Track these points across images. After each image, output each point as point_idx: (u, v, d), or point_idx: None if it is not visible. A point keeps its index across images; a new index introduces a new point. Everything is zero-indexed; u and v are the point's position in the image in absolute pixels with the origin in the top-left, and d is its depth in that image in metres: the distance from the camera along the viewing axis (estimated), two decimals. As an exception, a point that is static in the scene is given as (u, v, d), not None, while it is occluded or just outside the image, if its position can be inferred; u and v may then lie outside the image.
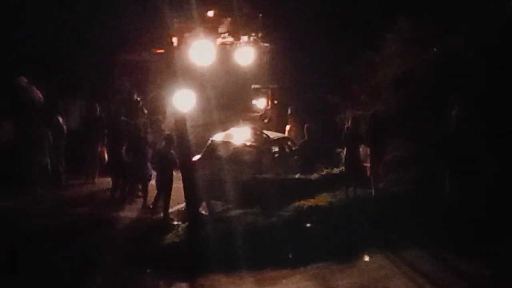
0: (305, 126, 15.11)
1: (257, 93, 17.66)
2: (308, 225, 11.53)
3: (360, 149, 13.02)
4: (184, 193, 12.06)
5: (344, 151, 13.24)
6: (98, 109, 15.83)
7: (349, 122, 13.22)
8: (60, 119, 15.89)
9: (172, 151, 13.26)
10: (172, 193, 14.24)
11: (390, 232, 11.06)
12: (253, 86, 17.62)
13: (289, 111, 17.26)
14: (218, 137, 14.53)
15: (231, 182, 13.18)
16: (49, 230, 12.39)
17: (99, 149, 15.62)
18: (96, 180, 15.86)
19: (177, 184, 13.16)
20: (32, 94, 16.21)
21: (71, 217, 13.31)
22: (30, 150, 14.48)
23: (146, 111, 16.99)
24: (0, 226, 12.26)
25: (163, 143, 13.69)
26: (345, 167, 13.17)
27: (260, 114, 17.11)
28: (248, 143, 14.16)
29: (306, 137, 14.90)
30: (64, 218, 13.20)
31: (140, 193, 14.44)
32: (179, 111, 12.01)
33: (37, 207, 13.69)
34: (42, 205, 13.75)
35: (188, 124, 12.21)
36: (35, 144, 14.50)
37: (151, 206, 13.64)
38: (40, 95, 16.36)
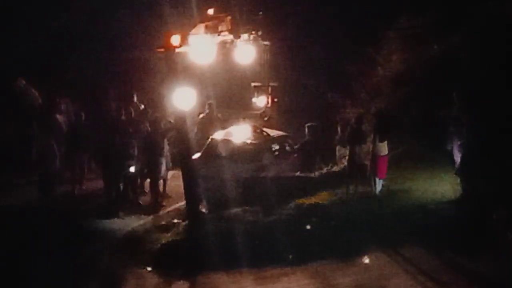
0: (306, 124, 15.10)
1: (257, 91, 17.60)
2: (309, 223, 11.52)
3: (363, 147, 12.98)
4: (184, 191, 12.03)
5: (348, 149, 13.22)
6: (84, 116, 15.54)
7: (353, 120, 13.21)
8: (59, 119, 15.73)
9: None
10: (172, 192, 14.29)
11: (391, 230, 11.06)
12: (253, 84, 17.56)
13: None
14: (218, 135, 14.51)
15: (231, 180, 13.19)
16: (49, 230, 12.39)
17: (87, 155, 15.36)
18: (84, 186, 15.55)
19: (177, 182, 13.14)
20: (30, 96, 16.09)
21: (70, 216, 13.29)
22: (38, 158, 14.29)
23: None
24: (2, 226, 12.27)
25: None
26: (347, 165, 13.15)
27: (260, 112, 17.05)
28: (248, 141, 14.13)
29: (307, 135, 14.88)
30: (63, 217, 13.18)
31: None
32: (179, 109, 11.99)
33: (37, 206, 13.66)
34: (42, 205, 13.71)
35: (189, 122, 12.19)
36: (42, 152, 14.26)
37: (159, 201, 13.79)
38: (38, 96, 16.23)
